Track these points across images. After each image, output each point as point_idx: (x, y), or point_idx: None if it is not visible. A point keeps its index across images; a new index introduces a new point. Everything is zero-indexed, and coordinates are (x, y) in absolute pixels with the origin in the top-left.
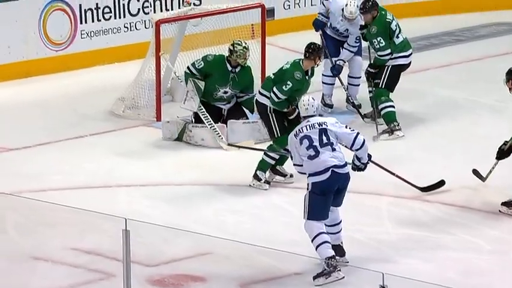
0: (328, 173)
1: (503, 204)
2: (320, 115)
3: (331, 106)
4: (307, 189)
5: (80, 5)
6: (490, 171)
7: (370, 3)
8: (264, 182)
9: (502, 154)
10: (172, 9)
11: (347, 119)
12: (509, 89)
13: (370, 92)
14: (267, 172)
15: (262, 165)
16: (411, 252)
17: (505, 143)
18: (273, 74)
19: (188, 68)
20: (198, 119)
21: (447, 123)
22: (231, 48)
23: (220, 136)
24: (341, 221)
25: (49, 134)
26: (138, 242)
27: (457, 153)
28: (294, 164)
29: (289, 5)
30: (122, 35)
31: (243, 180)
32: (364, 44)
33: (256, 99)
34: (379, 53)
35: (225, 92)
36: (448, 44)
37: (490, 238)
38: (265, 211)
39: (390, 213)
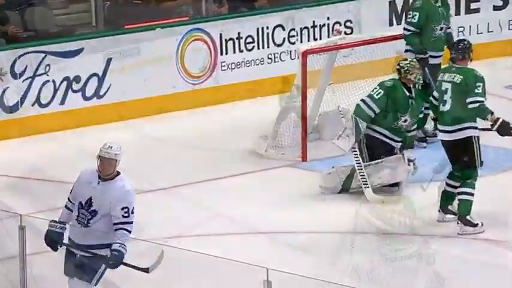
0: None
1: None
2: None
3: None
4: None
5: (221, 35)
6: None
7: None
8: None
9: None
10: (320, 39)
11: None
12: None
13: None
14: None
15: (466, 207)
16: None
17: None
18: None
19: (363, 100)
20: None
21: None
22: (398, 67)
23: (366, 185)
24: None
25: (184, 176)
26: None
27: None
28: None
29: None
30: (265, 67)
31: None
32: None
33: (468, 136)
34: None
35: (405, 121)
36: None
37: None
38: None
39: None
